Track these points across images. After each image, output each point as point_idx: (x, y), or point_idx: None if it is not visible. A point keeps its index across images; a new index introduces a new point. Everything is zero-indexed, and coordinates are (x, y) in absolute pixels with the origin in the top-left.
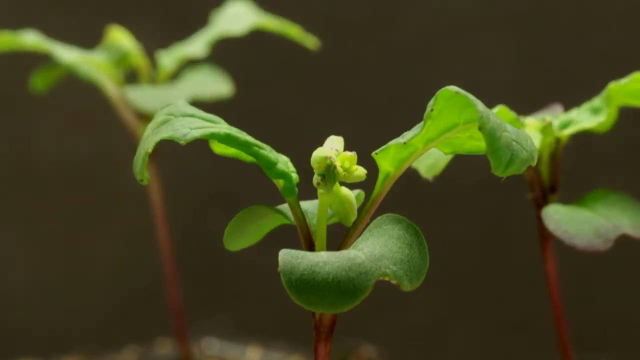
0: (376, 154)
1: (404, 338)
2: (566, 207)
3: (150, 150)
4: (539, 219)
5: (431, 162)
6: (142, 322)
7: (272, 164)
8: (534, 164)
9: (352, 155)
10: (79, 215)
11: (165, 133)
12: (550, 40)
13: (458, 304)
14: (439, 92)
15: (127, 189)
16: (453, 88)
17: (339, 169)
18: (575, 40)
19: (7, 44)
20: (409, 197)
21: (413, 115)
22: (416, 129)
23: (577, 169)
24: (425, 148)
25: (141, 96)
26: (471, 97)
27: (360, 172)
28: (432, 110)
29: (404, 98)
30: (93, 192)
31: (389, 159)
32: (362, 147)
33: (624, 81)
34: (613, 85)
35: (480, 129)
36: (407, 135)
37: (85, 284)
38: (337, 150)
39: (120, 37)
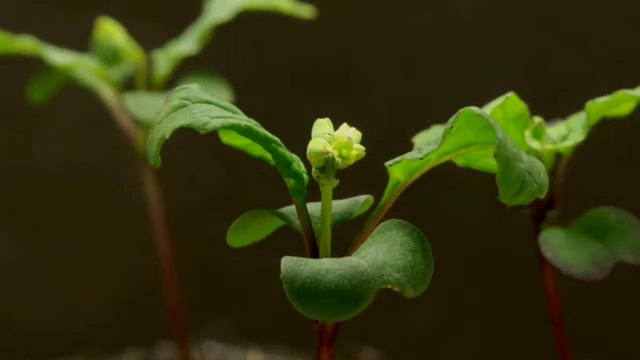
0: (390, 165)
1: (405, 342)
2: (563, 231)
3: (167, 136)
4: (537, 235)
5: None
6: (142, 326)
7: (288, 163)
8: (542, 196)
9: (347, 141)
10: (79, 219)
11: (183, 120)
12: (552, 47)
13: (460, 308)
14: (460, 110)
15: (127, 193)
16: (476, 109)
17: (338, 159)
18: (578, 46)
19: (1, 45)
20: (412, 202)
21: (413, 116)
22: (433, 145)
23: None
24: (438, 160)
25: (138, 104)
26: (492, 121)
27: (359, 153)
28: (451, 127)
29: (404, 100)
30: (94, 196)
31: (401, 167)
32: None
33: (602, 100)
34: (589, 104)
35: (495, 156)
36: (424, 151)
37: (86, 287)
38: (329, 134)
39: (111, 31)
